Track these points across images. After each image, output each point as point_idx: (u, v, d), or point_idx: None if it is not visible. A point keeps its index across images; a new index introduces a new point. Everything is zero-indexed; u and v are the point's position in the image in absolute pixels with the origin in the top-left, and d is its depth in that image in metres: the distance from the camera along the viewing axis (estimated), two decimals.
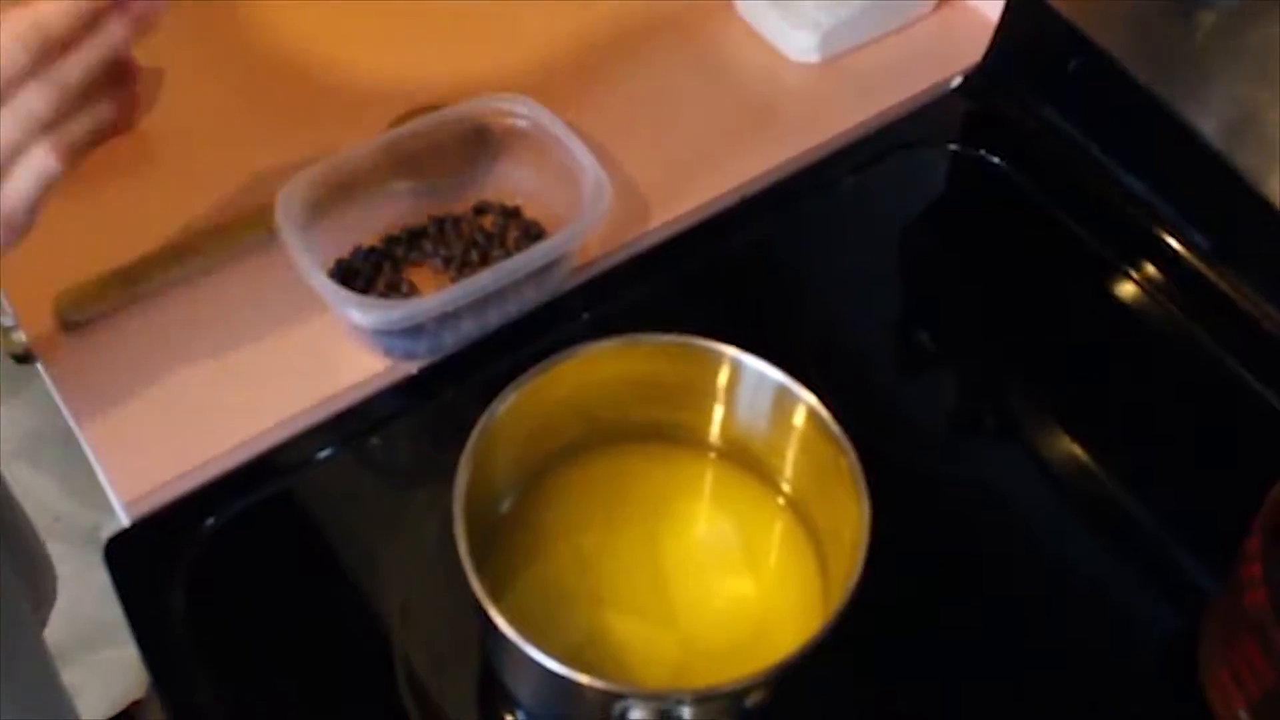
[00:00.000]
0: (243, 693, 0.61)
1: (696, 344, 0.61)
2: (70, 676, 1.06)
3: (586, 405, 0.63)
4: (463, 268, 0.74)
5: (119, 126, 0.80)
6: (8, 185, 0.54)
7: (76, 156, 0.55)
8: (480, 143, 0.78)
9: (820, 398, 0.59)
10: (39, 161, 0.54)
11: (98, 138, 0.55)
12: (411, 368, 0.72)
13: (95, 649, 1.19)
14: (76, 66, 0.54)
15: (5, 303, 0.75)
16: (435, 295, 0.68)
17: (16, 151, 0.54)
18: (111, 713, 1.34)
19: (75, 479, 1.48)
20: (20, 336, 0.73)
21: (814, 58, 0.88)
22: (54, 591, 1.14)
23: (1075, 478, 0.70)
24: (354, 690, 0.61)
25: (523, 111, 0.76)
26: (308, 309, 0.72)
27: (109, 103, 0.56)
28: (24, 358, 0.75)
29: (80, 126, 0.55)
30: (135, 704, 1.34)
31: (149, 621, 0.62)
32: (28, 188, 0.54)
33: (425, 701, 0.60)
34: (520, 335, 0.72)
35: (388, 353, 0.72)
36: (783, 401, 0.61)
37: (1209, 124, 0.72)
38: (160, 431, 0.69)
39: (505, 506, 0.63)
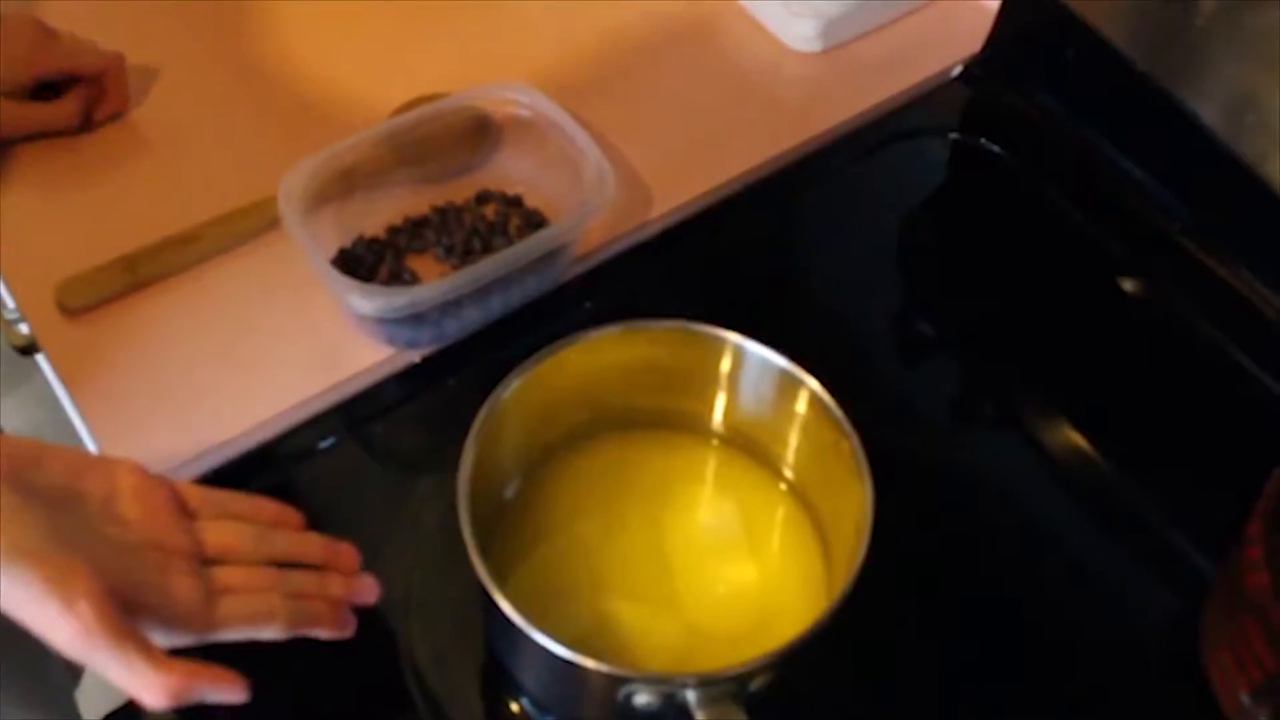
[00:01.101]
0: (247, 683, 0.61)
1: (698, 330, 0.62)
2: None
3: (589, 392, 0.63)
4: (465, 256, 0.74)
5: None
6: (229, 603, 0.51)
7: (296, 624, 0.53)
8: (482, 131, 0.78)
9: (822, 384, 0.59)
10: (266, 605, 0.52)
11: (312, 621, 0.53)
12: (414, 356, 0.72)
13: None
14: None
15: (6, 295, 0.75)
16: (437, 283, 0.68)
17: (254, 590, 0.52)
18: (112, 707, 1.34)
19: None
20: (23, 329, 0.73)
21: (815, 47, 0.88)
22: None
23: (1075, 462, 0.70)
24: (359, 677, 0.61)
25: (524, 100, 0.76)
26: (310, 297, 0.73)
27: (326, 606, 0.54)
28: (26, 349, 0.75)
29: (307, 607, 0.53)
30: None
31: None
32: (239, 615, 0.51)
33: (429, 687, 0.60)
34: (523, 323, 0.72)
35: (390, 341, 0.72)
36: (785, 387, 0.61)
37: (1208, 110, 0.72)
38: (162, 420, 0.69)
39: (509, 493, 0.63)
